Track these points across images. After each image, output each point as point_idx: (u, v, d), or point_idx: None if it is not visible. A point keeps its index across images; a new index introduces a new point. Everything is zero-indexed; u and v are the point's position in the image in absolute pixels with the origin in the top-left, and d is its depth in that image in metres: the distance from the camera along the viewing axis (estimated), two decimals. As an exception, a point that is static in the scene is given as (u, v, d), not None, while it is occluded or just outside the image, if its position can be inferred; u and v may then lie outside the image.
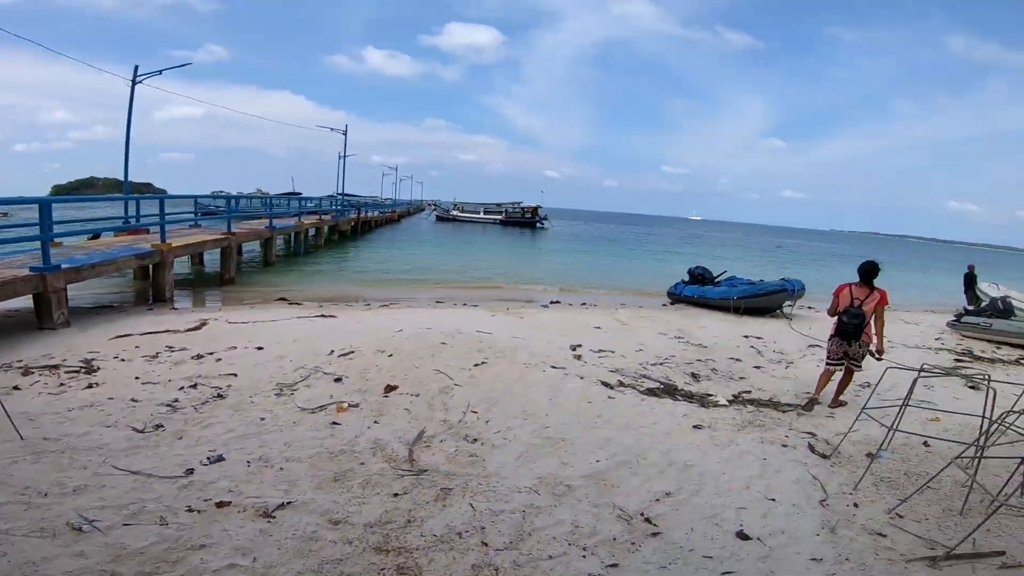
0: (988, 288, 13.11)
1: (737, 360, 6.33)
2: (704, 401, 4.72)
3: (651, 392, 4.86)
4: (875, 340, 4.78)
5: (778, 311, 9.78)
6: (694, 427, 4.04)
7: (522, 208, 48.80)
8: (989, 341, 8.54)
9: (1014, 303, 9.38)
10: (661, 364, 5.91)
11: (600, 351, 6.21)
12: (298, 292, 10.71)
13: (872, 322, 4.73)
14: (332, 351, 5.35)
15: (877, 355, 4.75)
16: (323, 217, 22.47)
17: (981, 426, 2.87)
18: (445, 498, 2.76)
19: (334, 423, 3.64)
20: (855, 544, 2.56)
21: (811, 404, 4.89)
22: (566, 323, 8.03)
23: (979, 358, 7.36)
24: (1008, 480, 2.82)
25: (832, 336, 4.89)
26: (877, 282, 4.70)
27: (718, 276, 11.24)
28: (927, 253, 69.38)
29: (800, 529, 2.68)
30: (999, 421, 2.86)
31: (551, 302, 10.77)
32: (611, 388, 4.86)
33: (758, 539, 2.57)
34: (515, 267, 18.94)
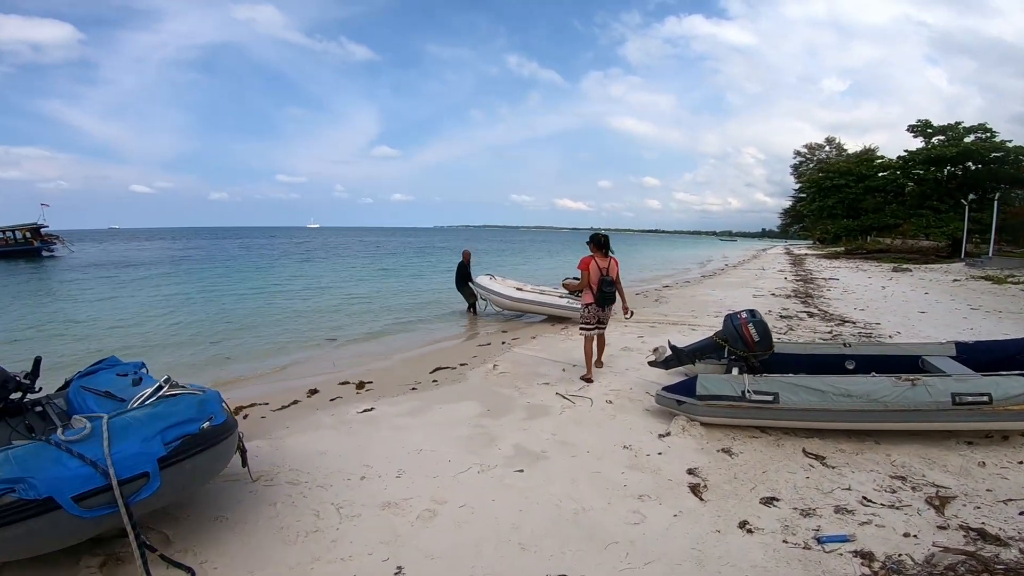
0: (483, 280, 10.04)
1: None
2: None
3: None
4: (622, 302, 5.08)
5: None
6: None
7: (11, 230, 32.51)
8: (773, 428, 3.51)
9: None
10: None
11: None
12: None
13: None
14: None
15: (627, 314, 5.16)
16: None
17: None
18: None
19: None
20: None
21: (589, 379, 4.90)
22: None
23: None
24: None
25: (588, 304, 4.91)
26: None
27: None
28: (512, 237, 71.78)
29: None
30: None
31: None
32: None
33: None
34: None
